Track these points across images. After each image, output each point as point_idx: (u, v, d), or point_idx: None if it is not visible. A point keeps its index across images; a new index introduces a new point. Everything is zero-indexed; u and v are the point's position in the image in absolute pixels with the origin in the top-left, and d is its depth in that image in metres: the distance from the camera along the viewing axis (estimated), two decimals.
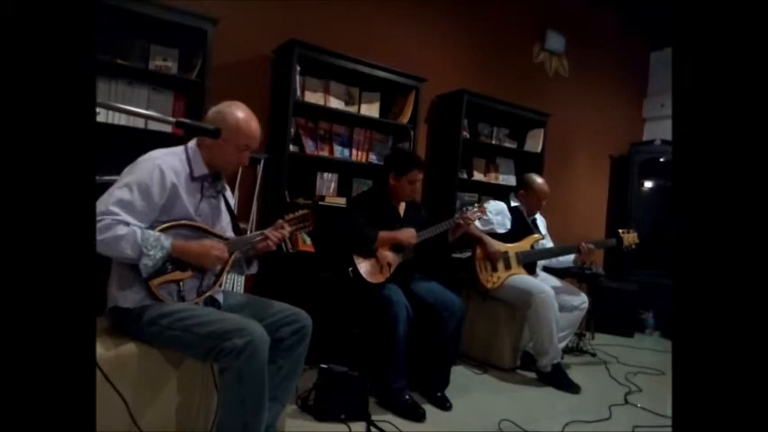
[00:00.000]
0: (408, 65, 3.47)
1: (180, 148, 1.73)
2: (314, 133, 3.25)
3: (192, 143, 1.75)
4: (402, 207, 2.75)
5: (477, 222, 3.11)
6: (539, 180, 3.28)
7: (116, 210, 1.51)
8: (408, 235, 2.56)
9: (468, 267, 3.10)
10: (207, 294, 1.70)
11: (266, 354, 1.54)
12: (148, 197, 1.56)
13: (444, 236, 2.68)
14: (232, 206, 1.88)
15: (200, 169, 1.71)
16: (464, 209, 2.73)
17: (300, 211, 1.86)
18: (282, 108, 2.98)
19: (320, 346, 2.08)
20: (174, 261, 1.59)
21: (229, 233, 1.83)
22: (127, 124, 2.52)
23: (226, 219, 1.84)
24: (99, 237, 1.45)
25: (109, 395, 1.48)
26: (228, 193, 1.89)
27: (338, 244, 2.59)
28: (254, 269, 1.95)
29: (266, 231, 1.79)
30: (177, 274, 1.61)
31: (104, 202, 1.51)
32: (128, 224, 1.51)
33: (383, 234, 2.52)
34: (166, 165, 1.62)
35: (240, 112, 1.73)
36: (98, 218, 1.47)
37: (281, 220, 1.82)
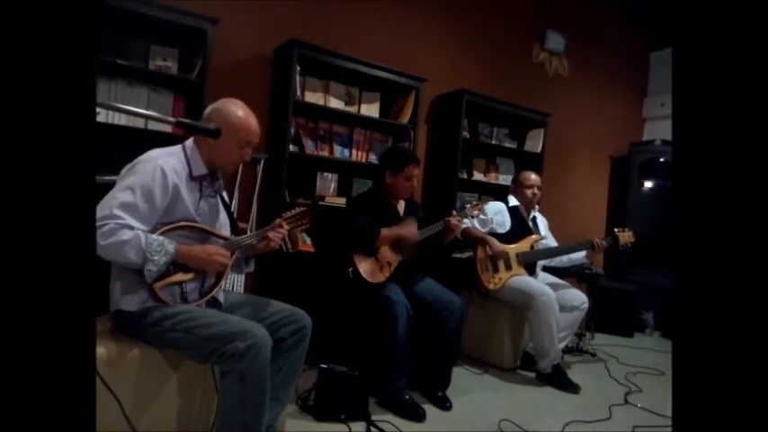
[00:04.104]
0: (408, 65, 3.47)
1: (177, 148, 1.71)
2: (314, 133, 3.25)
3: (189, 142, 1.73)
4: (401, 206, 2.74)
5: (476, 224, 3.12)
6: (525, 172, 3.32)
7: (120, 213, 1.49)
8: (411, 231, 2.55)
9: (469, 268, 3.10)
10: (210, 296, 1.70)
11: (268, 356, 1.54)
12: (151, 199, 1.55)
13: (438, 237, 2.68)
14: (229, 205, 1.88)
15: (200, 169, 1.70)
16: (453, 212, 2.70)
17: (298, 209, 1.85)
18: (282, 108, 2.98)
19: (320, 346, 2.08)
20: (177, 263, 1.58)
21: (226, 232, 1.82)
22: (127, 124, 2.52)
23: (223, 218, 1.83)
24: (103, 242, 1.44)
25: (109, 395, 1.48)
26: (225, 193, 1.89)
27: (338, 244, 2.59)
28: (251, 267, 1.95)
29: (266, 231, 1.78)
30: (180, 276, 1.60)
31: (107, 206, 1.49)
32: (132, 228, 1.50)
33: (385, 231, 2.51)
34: (168, 166, 1.60)
35: (239, 110, 1.72)
36: (102, 222, 1.45)
37: (279, 219, 1.81)
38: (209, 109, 1.74)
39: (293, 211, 1.84)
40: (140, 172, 1.56)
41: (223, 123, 1.64)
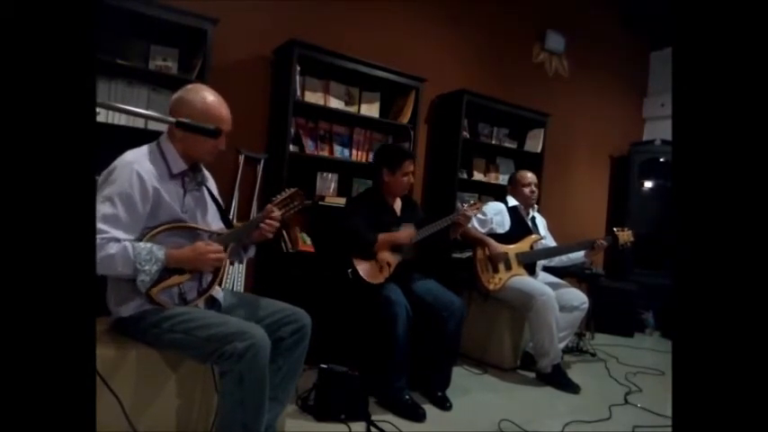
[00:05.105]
0: (408, 65, 3.47)
1: (153, 146, 1.66)
2: (314, 133, 3.25)
3: (163, 138, 1.67)
4: (398, 205, 2.74)
5: (476, 224, 3.12)
6: (521, 171, 3.36)
7: (103, 227, 1.46)
8: (407, 234, 2.55)
9: (469, 268, 3.10)
10: (207, 294, 1.69)
11: (267, 357, 1.53)
12: (133, 207, 1.51)
13: (443, 234, 2.67)
14: (216, 196, 1.82)
15: (178, 165, 1.64)
16: (460, 206, 2.72)
17: (288, 191, 1.77)
18: (282, 108, 2.98)
19: (320, 346, 2.08)
20: (170, 267, 1.56)
21: (217, 224, 1.79)
22: (127, 124, 2.52)
23: (212, 210, 1.79)
24: None
25: (108, 396, 1.48)
26: (211, 183, 1.83)
27: (337, 246, 2.59)
28: (251, 254, 1.90)
29: (257, 219, 1.72)
30: (175, 279, 1.58)
31: None
32: (118, 240, 1.47)
33: (382, 236, 2.51)
34: (144, 169, 1.55)
35: (208, 96, 1.64)
36: None
37: (269, 205, 1.74)
38: (174, 98, 1.66)
39: (283, 194, 1.77)
40: (118, 179, 1.52)
41: (191, 112, 1.58)
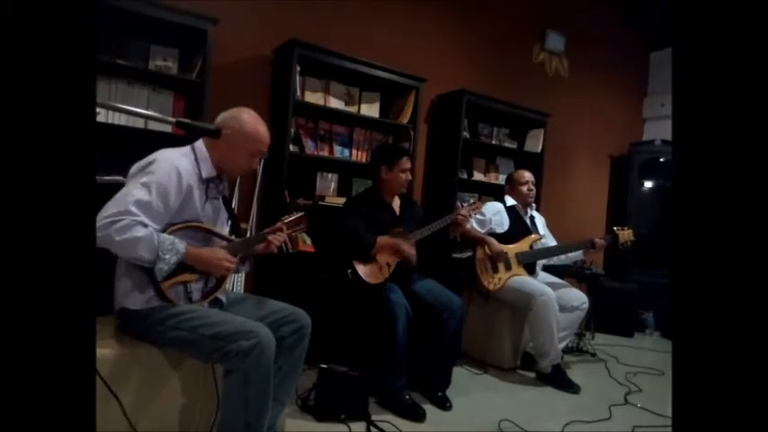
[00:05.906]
0: (408, 65, 3.47)
1: (188, 149, 1.72)
2: (314, 133, 3.25)
3: (199, 144, 1.75)
4: (397, 204, 2.74)
5: (475, 224, 3.11)
6: (518, 170, 3.38)
7: (135, 210, 1.49)
8: (411, 252, 2.53)
9: (469, 268, 3.10)
10: (212, 297, 1.71)
11: (272, 356, 1.55)
12: (166, 199, 1.56)
13: (442, 234, 2.67)
14: (232, 206, 1.90)
15: (209, 171, 1.72)
16: (459, 205, 2.72)
17: (296, 215, 1.89)
18: (282, 108, 2.98)
19: (320, 346, 2.08)
20: (184, 264, 1.59)
21: (225, 232, 1.83)
22: (127, 124, 2.51)
23: (224, 219, 1.85)
24: (117, 237, 1.44)
25: (108, 396, 1.48)
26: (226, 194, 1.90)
27: (337, 247, 2.59)
28: (247, 268, 1.98)
29: (266, 233, 1.80)
30: (186, 276, 1.62)
31: (122, 202, 1.49)
32: (146, 225, 1.51)
33: (383, 241, 2.50)
34: (183, 167, 1.62)
35: (252, 119, 1.76)
36: (117, 217, 1.46)
37: (279, 223, 1.83)
38: (222, 116, 1.76)
39: (292, 216, 1.88)
40: (157, 171, 1.57)
41: (236, 131, 1.67)
